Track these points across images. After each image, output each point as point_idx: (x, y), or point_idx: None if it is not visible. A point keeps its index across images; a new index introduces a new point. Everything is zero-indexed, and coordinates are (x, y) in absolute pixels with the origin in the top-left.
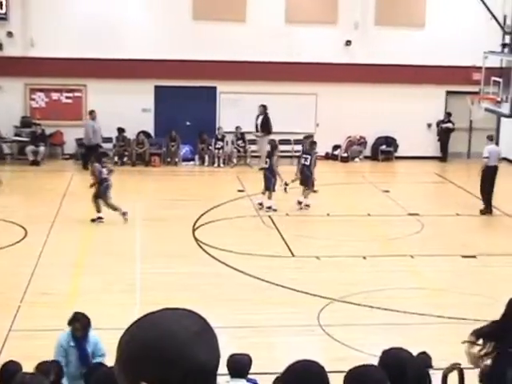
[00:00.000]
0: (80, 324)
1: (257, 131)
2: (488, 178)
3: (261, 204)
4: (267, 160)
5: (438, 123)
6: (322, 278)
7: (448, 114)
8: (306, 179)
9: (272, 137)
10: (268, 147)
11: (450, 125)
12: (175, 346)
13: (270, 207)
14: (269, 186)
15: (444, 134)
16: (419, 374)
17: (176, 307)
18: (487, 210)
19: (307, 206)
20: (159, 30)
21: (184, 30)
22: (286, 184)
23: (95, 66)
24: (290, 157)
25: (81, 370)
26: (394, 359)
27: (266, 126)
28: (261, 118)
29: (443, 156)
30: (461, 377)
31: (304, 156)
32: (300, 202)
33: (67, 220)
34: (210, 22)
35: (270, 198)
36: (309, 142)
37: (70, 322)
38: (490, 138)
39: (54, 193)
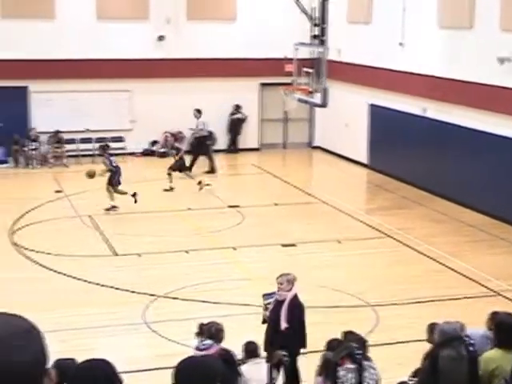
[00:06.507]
0: None
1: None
2: (201, 145)
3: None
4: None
5: (230, 115)
6: (146, 275)
7: (237, 106)
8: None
9: (88, 135)
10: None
11: (239, 115)
12: None
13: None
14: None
15: (234, 126)
16: None
17: (1, 312)
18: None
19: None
20: None
21: None
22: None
23: None
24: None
25: None
26: None
27: None
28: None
29: (234, 148)
30: (285, 364)
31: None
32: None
33: None
34: (19, 20)
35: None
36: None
37: None
38: (199, 111)
39: None
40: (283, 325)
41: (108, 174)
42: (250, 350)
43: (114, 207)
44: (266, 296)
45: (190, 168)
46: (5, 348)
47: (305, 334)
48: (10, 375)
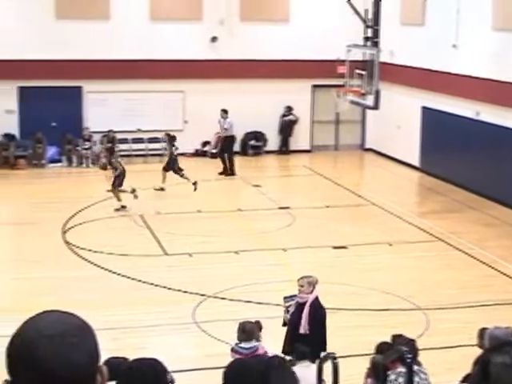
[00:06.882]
0: None
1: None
2: (228, 146)
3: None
4: None
5: (281, 117)
6: (196, 274)
7: (289, 108)
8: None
9: (140, 135)
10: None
11: (291, 117)
12: (20, 348)
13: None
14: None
15: (286, 127)
16: None
17: (55, 309)
18: (226, 171)
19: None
20: (21, 30)
21: (47, 29)
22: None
23: None
24: (160, 155)
25: None
26: None
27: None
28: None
29: (285, 149)
30: (335, 366)
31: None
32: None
33: None
34: (74, 21)
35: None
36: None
37: None
38: (225, 112)
39: None
40: (304, 328)
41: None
42: (301, 352)
43: (123, 207)
44: (287, 298)
45: (231, 170)
46: (58, 345)
47: (325, 338)
48: (65, 372)
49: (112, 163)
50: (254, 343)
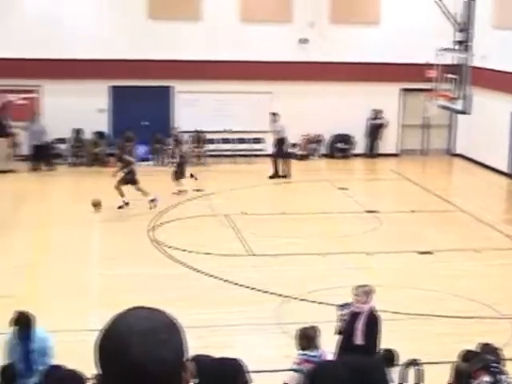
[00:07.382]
0: (20, 323)
1: None
2: (280, 148)
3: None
4: None
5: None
6: (280, 275)
7: (378, 111)
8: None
9: (228, 136)
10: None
11: (381, 121)
12: (112, 343)
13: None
14: None
15: (375, 131)
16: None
17: (144, 306)
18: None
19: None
20: (114, 30)
21: (139, 29)
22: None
23: (49, 67)
24: (246, 155)
25: (36, 368)
26: None
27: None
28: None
29: (372, 152)
30: (419, 372)
31: None
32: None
33: (21, 221)
34: (166, 21)
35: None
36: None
37: (12, 322)
38: (275, 114)
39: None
40: (359, 339)
41: (122, 174)
42: (389, 359)
43: (126, 203)
44: (341, 307)
45: (277, 173)
46: (150, 342)
47: (378, 347)
48: (154, 369)
49: (123, 159)
50: (320, 350)
